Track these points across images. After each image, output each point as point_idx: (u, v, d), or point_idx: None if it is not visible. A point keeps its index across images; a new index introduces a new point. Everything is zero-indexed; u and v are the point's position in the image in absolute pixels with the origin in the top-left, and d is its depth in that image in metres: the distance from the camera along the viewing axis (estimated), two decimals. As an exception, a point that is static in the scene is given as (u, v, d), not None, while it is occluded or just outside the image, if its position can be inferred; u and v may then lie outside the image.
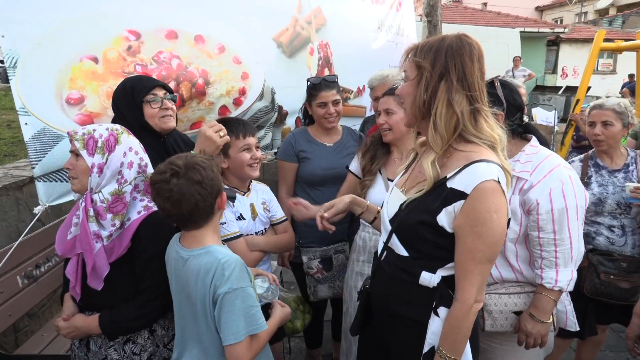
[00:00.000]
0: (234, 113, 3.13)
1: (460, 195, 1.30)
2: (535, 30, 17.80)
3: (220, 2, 2.83)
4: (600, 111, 2.58)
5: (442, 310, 1.39)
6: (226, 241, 2.00)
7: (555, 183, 1.76)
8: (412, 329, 1.46)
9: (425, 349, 1.41)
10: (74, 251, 1.61)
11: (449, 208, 1.32)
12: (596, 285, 2.43)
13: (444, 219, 1.34)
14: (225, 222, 2.01)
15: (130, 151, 1.64)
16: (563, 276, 1.77)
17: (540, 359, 1.99)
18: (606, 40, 6.09)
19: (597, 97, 2.71)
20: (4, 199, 3.06)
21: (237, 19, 2.95)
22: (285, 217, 2.35)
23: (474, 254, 1.31)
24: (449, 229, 1.34)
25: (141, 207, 1.66)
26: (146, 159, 1.69)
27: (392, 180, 2.20)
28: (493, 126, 1.38)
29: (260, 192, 2.29)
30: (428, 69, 1.34)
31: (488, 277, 1.40)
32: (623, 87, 12.98)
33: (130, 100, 1.91)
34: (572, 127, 5.98)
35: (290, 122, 3.52)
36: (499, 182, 1.29)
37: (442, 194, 1.34)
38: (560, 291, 1.78)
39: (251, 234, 2.15)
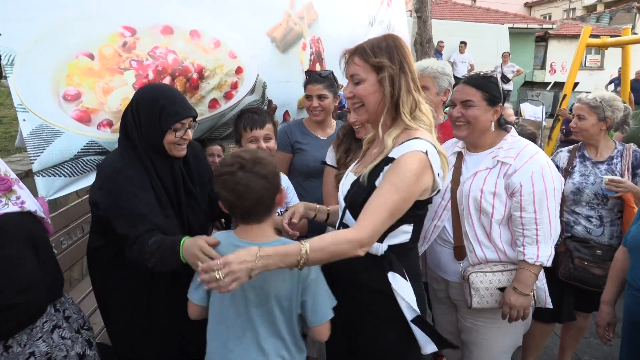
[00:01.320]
0: (224, 106, 3.17)
1: (391, 161, 1.53)
2: (524, 26, 17.93)
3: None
4: (578, 105, 2.72)
5: (391, 276, 1.58)
6: None
7: (536, 167, 1.92)
8: (372, 297, 1.63)
9: (409, 317, 1.58)
10: None
11: (382, 173, 1.54)
12: (570, 270, 2.53)
13: (378, 182, 1.54)
14: None
15: None
16: (543, 252, 1.93)
17: (519, 336, 2.15)
18: (593, 36, 6.20)
19: (587, 92, 2.80)
20: (0, 193, 3.06)
21: (231, 13, 2.98)
22: None
23: (385, 200, 1.46)
24: None
25: None
26: None
27: None
28: (429, 110, 1.64)
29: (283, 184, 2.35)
30: (389, 65, 1.55)
31: (383, 230, 1.52)
32: (611, 82, 13.09)
33: (157, 121, 1.79)
34: (559, 122, 6.09)
35: (278, 116, 3.57)
36: (426, 154, 1.50)
37: (383, 165, 1.56)
38: (541, 266, 1.95)
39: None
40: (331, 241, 1.44)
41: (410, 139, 1.54)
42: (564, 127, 6.00)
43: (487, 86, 1.99)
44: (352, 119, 2.26)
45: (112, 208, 1.76)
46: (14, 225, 1.56)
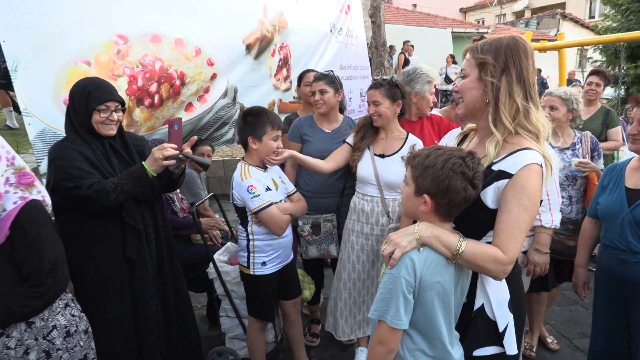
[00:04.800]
0: (200, 109, 3.29)
1: (506, 175, 1.46)
2: (462, 30, 18.91)
3: (196, 6, 3.00)
4: (550, 97, 3.08)
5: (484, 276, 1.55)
6: (263, 209, 2.33)
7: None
8: None
9: (476, 306, 1.58)
10: None
11: (493, 186, 1.49)
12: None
13: (489, 195, 1.49)
14: (259, 194, 2.35)
15: None
16: (556, 216, 2.33)
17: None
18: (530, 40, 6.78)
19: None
20: None
21: (212, 22, 3.11)
22: (296, 190, 2.73)
23: (519, 223, 1.45)
24: (490, 205, 1.50)
25: (17, 198, 1.68)
26: (13, 152, 1.71)
27: (378, 155, 2.69)
28: (541, 117, 1.54)
29: (275, 169, 2.65)
30: (492, 64, 1.51)
31: None
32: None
33: (84, 103, 2.02)
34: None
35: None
36: (541, 166, 1.47)
37: (489, 175, 1.51)
38: (555, 228, 2.36)
39: (278, 202, 2.48)
40: (481, 255, 1.44)
41: (520, 149, 1.49)
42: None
43: None
44: (371, 110, 2.67)
45: (57, 174, 1.95)
46: (43, 210, 1.73)
